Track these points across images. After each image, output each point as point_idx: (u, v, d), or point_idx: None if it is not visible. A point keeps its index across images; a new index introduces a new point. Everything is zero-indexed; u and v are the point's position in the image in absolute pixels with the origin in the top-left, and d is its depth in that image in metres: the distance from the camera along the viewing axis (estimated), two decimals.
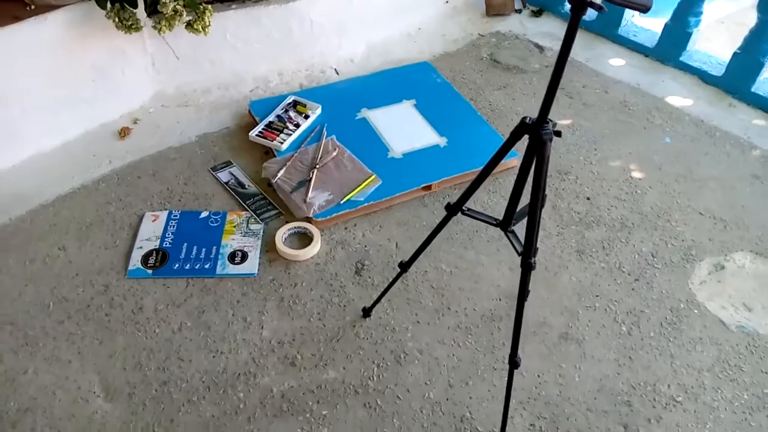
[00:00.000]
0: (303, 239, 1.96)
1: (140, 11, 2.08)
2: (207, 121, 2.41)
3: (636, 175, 2.24)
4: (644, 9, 1.03)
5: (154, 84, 2.45)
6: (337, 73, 2.70)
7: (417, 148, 2.24)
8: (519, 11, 3.10)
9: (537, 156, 1.17)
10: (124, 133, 2.31)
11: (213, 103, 2.49)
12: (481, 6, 3.10)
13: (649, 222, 2.06)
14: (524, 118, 1.18)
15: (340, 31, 2.70)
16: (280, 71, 2.64)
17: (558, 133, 1.16)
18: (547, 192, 1.34)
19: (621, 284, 1.86)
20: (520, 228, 1.27)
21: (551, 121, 1.16)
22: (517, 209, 1.35)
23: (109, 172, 2.17)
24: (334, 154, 2.19)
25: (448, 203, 1.37)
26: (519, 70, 2.74)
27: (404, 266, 1.55)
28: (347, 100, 2.46)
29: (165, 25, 2.01)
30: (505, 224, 1.35)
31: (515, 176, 1.27)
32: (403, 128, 2.34)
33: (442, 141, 2.28)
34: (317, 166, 2.12)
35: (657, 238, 2.01)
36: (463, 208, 1.35)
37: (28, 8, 2.02)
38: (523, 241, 1.26)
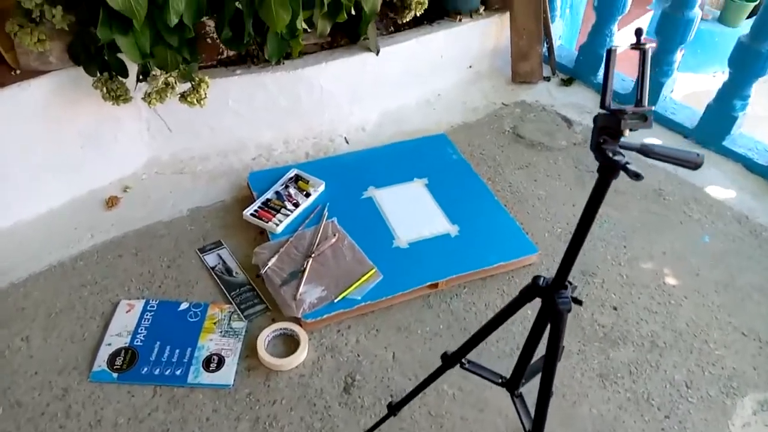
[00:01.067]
0: (289, 342, 1.75)
1: (131, 78, 1.93)
2: (202, 192, 2.24)
3: (670, 281, 1.99)
4: (693, 166, 0.81)
5: (148, 149, 2.30)
6: (347, 143, 2.51)
7: (425, 237, 2.03)
8: (548, 79, 2.90)
9: (552, 325, 0.95)
10: (111, 202, 2.15)
11: (210, 172, 2.33)
12: (507, 72, 2.91)
13: (684, 342, 1.81)
14: (536, 278, 0.96)
15: (352, 97, 2.53)
16: (286, 139, 2.47)
17: (578, 302, 0.94)
18: None
19: (649, 422, 1.61)
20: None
21: (570, 284, 0.94)
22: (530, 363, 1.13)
23: (89, 249, 2.00)
24: (333, 240, 1.99)
25: (445, 353, 1.15)
26: (544, 147, 2.53)
27: (393, 408, 1.33)
28: (354, 176, 2.27)
29: (155, 98, 1.86)
30: (512, 385, 1.13)
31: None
32: (412, 212, 2.13)
33: (453, 230, 2.06)
34: (313, 255, 1.92)
35: (692, 363, 1.75)
36: (463, 360, 1.13)
37: (12, 73, 1.89)
38: (532, 412, 1.04)
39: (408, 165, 2.33)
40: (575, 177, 2.39)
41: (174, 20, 1.58)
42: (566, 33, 3.17)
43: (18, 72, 1.89)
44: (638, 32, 0.71)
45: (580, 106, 2.76)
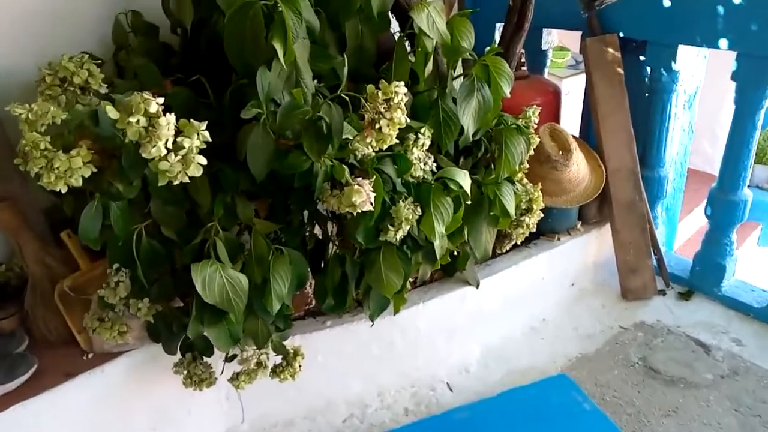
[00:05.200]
0: None
1: (216, 355, 1.68)
2: None
3: None
4: None
5: (227, 419, 1.98)
6: (451, 390, 2.16)
7: None
8: (663, 293, 2.57)
9: None
10: None
11: None
12: (613, 286, 2.60)
13: None
14: None
15: (450, 335, 2.23)
16: (380, 391, 2.13)
17: None
18: None
19: None
20: None
21: None
22: None
23: None
24: None
25: None
26: (687, 384, 2.11)
27: None
28: None
29: (245, 380, 1.58)
30: None
31: None
32: None
33: None
34: None
35: None
36: None
37: (84, 357, 1.67)
38: None
39: (531, 422, 1.94)
40: (739, 425, 1.93)
41: (276, 307, 1.35)
42: (666, 236, 2.91)
43: (90, 356, 1.67)
44: None
45: (711, 325, 2.38)
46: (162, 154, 1.02)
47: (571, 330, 2.43)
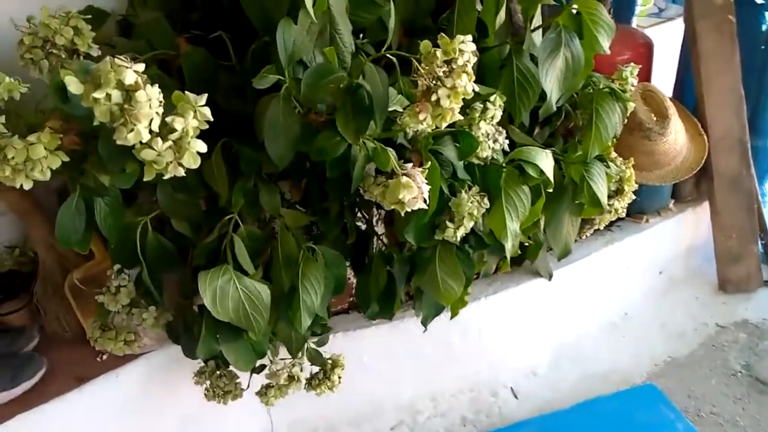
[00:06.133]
0: None
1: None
2: None
3: None
4: None
5: (261, 422, 1.78)
6: (516, 397, 1.89)
7: None
8: None
9: None
10: None
11: None
12: (708, 274, 2.23)
13: None
14: None
15: (517, 332, 1.94)
16: (434, 395, 1.88)
17: None
18: None
19: None
20: None
21: None
22: None
23: None
24: None
25: None
26: None
27: None
28: None
29: (274, 396, 1.35)
30: None
31: None
32: None
33: None
34: None
35: None
36: None
37: (98, 359, 1.48)
38: None
39: None
40: None
41: (306, 323, 1.10)
42: None
43: (104, 357, 1.48)
44: None
45: None
46: (144, 140, 0.76)
47: (659, 327, 2.08)
